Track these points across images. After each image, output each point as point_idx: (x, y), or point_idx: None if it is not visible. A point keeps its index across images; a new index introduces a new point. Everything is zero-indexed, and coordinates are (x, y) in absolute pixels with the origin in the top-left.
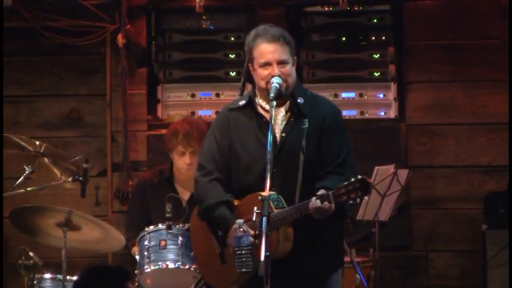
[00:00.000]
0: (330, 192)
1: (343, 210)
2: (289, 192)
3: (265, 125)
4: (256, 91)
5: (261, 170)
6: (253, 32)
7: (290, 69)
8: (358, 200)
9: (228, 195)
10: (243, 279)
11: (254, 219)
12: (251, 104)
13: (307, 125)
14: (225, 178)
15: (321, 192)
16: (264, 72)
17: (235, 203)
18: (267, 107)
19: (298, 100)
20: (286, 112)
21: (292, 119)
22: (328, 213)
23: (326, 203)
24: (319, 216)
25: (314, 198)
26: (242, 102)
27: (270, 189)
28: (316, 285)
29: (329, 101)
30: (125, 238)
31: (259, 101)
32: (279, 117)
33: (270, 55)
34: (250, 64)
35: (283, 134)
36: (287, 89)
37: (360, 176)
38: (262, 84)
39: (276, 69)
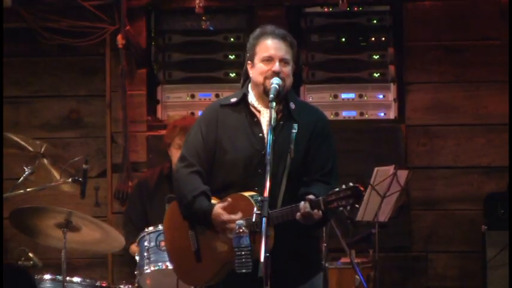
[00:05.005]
0: (321, 198)
1: (325, 217)
2: (273, 194)
3: (255, 124)
4: (250, 89)
5: (244, 169)
6: (259, 29)
7: (290, 70)
8: (348, 207)
9: (204, 187)
10: (217, 279)
11: (254, 220)
12: (243, 101)
13: (296, 130)
14: (205, 172)
15: (310, 197)
16: (264, 67)
17: (214, 201)
18: (259, 106)
19: (291, 104)
20: (277, 114)
21: (281, 122)
22: (315, 220)
23: (316, 209)
24: (305, 221)
25: (303, 202)
26: (234, 100)
27: (253, 190)
28: None
29: (319, 109)
30: (124, 237)
31: (252, 100)
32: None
33: (273, 50)
34: (249, 61)
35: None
36: (283, 89)
37: (351, 184)
38: (260, 79)
39: (277, 65)
